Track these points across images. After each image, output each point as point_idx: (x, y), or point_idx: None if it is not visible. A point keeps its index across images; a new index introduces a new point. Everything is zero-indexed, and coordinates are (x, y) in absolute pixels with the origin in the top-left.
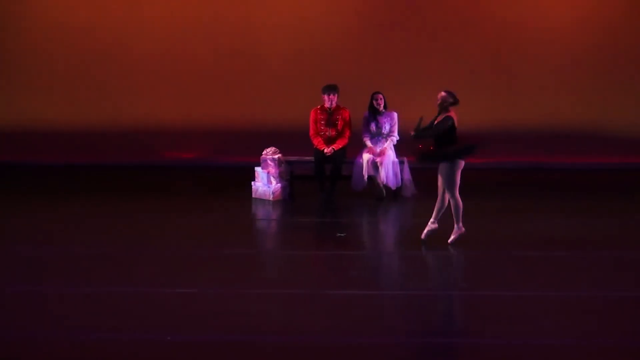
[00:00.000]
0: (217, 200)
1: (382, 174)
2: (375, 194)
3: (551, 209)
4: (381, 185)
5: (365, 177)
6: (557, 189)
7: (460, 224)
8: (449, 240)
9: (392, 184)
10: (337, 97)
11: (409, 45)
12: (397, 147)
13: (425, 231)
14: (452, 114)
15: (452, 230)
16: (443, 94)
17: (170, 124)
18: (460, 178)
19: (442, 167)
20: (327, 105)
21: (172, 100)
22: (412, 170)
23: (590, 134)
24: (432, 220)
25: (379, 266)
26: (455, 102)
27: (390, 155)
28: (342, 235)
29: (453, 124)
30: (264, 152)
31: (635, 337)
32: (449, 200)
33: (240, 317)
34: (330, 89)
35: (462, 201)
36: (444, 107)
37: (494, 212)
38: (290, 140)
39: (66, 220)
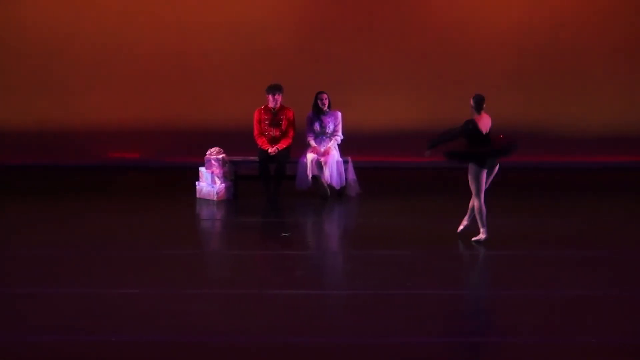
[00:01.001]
0: (161, 200)
1: (326, 173)
2: (319, 193)
3: (497, 207)
4: (325, 185)
5: (310, 176)
6: (503, 188)
7: (484, 229)
8: (473, 239)
9: (336, 184)
10: (281, 97)
11: (352, 45)
12: (341, 147)
13: (460, 227)
14: (478, 117)
15: (455, 229)
16: (471, 99)
17: (114, 124)
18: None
19: (469, 168)
20: (271, 105)
21: (117, 101)
22: (356, 169)
23: (535, 133)
24: (465, 217)
25: (323, 266)
26: (475, 107)
27: (334, 154)
28: (286, 235)
29: (474, 127)
30: (208, 152)
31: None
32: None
33: (184, 317)
34: (275, 88)
35: (480, 201)
36: (472, 111)
37: (442, 209)
38: (234, 140)
39: (8, 222)
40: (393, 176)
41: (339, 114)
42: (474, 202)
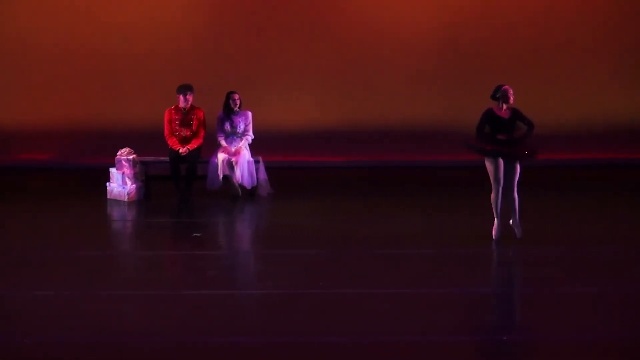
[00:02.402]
0: (72, 201)
1: (238, 173)
2: (230, 193)
3: (404, 207)
4: (236, 185)
5: (221, 176)
6: (411, 187)
7: (498, 220)
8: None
9: (248, 184)
10: (192, 97)
11: (262, 45)
12: (252, 147)
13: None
14: (492, 107)
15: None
16: None
17: (24, 125)
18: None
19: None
20: (181, 105)
21: (26, 101)
22: (267, 169)
23: (445, 132)
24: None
25: (235, 266)
26: (492, 95)
27: (245, 154)
28: (198, 235)
29: (482, 117)
30: (119, 152)
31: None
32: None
33: (99, 318)
34: (185, 88)
35: (496, 194)
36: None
37: (351, 209)
38: (144, 140)
39: None
40: (304, 176)
41: (250, 113)
42: (504, 196)
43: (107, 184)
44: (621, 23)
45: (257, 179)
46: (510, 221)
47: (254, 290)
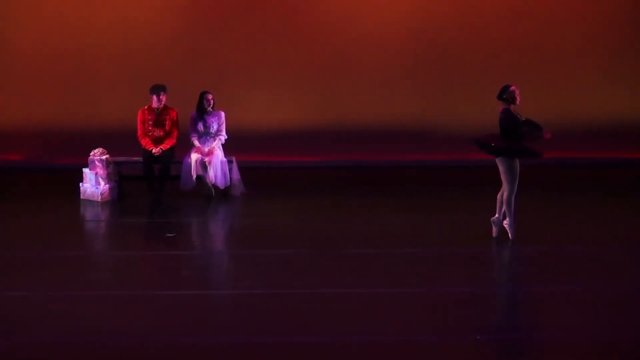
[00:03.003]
0: (45, 202)
1: (211, 173)
2: (204, 193)
3: (380, 206)
4: (210, 185)
5: (194, 176)
6: (386, 186)
7: (510, 220)
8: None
9: (221, 184)
10: (165, 97)
11: (233, 45)
12: (225, 147)
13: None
14: (508, 108)
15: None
16: None
17: None
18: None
19: (500, 160)
20: (154, 105)
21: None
22: (241, 169)
23: (423, 131)
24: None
25: (209, 266)
26: (499, 96)
27: (219, 154)
28: (171, 235)
29: (513, 117)
30: (92, 153)
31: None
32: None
33: (72, 319)
34: (158, 89)
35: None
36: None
37: (326, 209)
38: (118, 140)
39: None
40: (277, 176)
41: (223, 113)
42: (503, 193)
43: (80, 184)
44: (600, 23)
45: (231, 179)
46: (505, 222)
47: (228, 291)
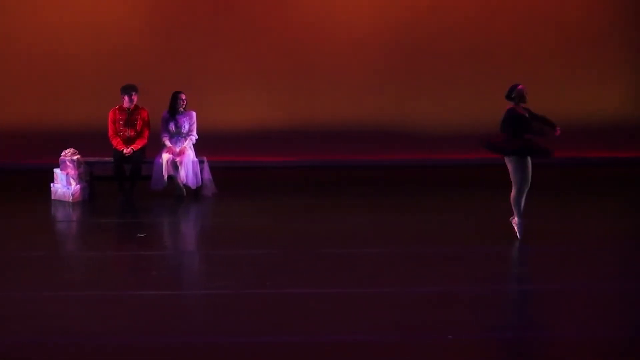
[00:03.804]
0: (16, 202)
1: (182, 173)
2: (175, 193)
3: (354, 206)
4: (181, 185)
5: (165, 176)
6: (360, 186)
7: (519, 219)
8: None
9: (192, 184)
10: (137, 97)
11: (206, 46)
12: (197, 147)
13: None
14: (512, 107)
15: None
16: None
17: None
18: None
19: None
20: (126, 105)
21: None
22: (212, 169)
23: (393, 131)
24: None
25: (180, 266)
26: (507, 95)
27: (190, 154)
28: (142, 235)
29: (508, 116)
30: (63, 153)
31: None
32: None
33: (42, 320)
34: (130, 89)
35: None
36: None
37: (298, 209)
38: (89, 141)
39: None
40: (249, 176)
41: (194, 113)
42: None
43: (52, 184)
44: (570, 23)
45: (202, 179)
46: (513, 221)
47: (200, 291)
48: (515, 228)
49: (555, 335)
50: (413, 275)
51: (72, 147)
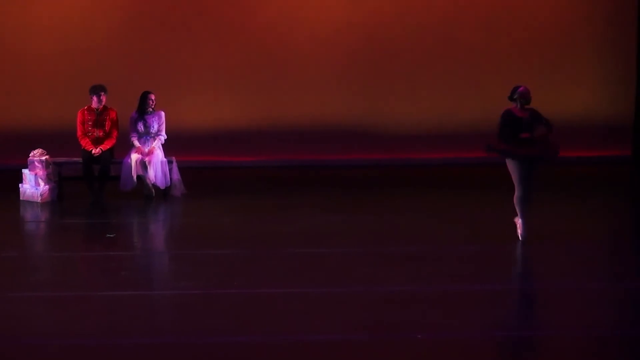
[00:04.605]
0: None
1: (151, 173)
2: (144, 193)
3: (320, 206)
4: (150, 185)
5: (134, 177)
6: (327, 186)
7: (522, 220)
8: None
9: (161, 184)
10: (106, 97)
11: (174, 46)
12: (165, 147)
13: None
14: (510, 108)
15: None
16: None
17: None
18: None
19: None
20: (94, 105)
21: None
22: (181, 169)
23: (362, 131)
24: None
25: (149, 266)
26: (510, 97)
27: (159, 154)
28: (111, 235)
29: (502, 118)
30: (31, 153)
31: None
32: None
33: (10, 320)
34: (98, 89)
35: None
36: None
37: (266, 209)
38: (57, 141)
39: None
40: (217, 176)
41: (163, 113)
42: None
43: (20, 185)
44: (540, 22)
45: (171, 179)
46: (518, 220)
47: (168, 291)
48: (518, 228)
49: (519, 335)
50: (380, 274)
51: (40, 147)
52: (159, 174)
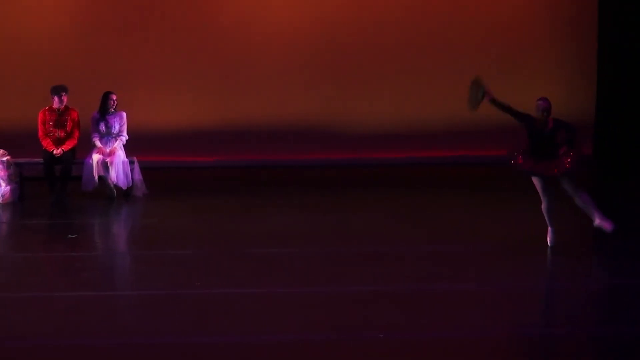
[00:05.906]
0: None
1: (113, 174)
2: (106, 194)
3: (282, 206)
4: (112, 186)
5: (96, 177)
6: (288, 186)
7: (551, 228)
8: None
9: (123, 184)
10: (67, 97)
11: (135, 46)
12: (127, 147)
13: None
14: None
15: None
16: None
17: None
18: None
19: None
20: (56, 106)
21: None
22: (142, 169)
23: (324, 130)
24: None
25: (111, 267)
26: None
27: (120, 155)
28: (73, 236)
29: (521, 113)
30: None
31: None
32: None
33: None
34: (60, 89)
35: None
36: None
37: (228, 209)
38: (18, 141)
39: None
40: (179, 176)
41: (124, 114)
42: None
43: None
44: (499, 21)
45: (132, 179)
46: (597, 221)
47: (131, 291)
48: (548, 235)
49: (479, 335)
50: (340, 274)
51: (1, 148)
52: (121, 174)
